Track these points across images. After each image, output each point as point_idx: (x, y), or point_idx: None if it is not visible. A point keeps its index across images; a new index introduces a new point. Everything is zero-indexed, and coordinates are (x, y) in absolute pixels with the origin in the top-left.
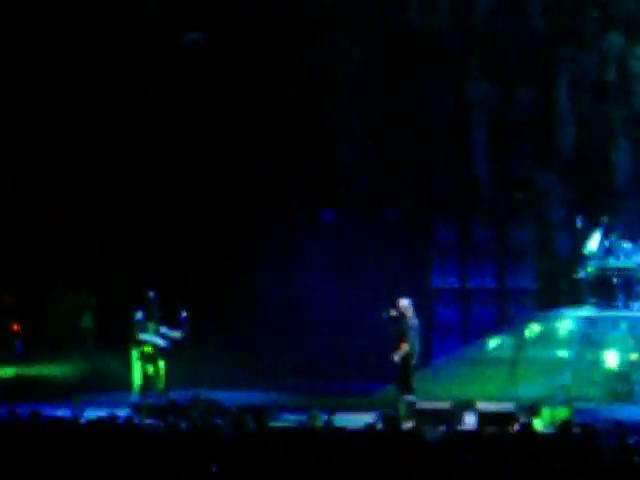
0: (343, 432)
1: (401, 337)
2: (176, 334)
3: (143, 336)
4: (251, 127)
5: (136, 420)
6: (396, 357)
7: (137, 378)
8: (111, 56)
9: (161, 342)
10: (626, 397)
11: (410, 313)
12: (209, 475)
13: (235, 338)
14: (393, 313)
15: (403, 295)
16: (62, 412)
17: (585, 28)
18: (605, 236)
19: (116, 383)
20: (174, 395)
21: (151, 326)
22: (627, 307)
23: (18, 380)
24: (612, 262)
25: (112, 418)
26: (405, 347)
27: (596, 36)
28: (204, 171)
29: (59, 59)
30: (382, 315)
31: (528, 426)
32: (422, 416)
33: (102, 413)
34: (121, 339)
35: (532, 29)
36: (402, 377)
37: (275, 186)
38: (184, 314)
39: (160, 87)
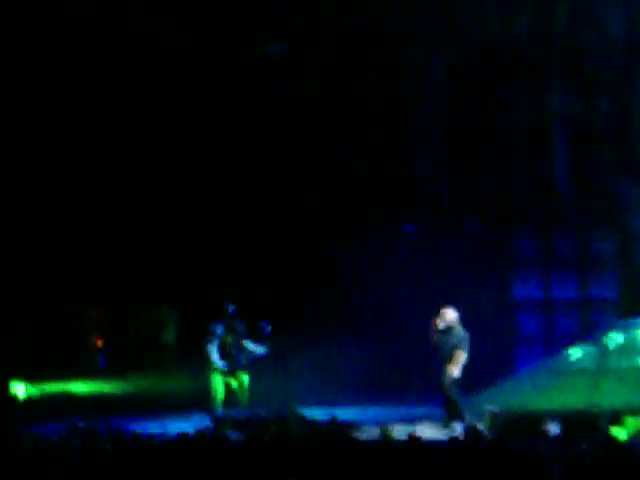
0: (426, 446)
1: (454, 349)
2: (260, 349)
3: (211, 353)
4: (331, 142)
5: (219, 434)
6: (456, 371)
7: (219, 392)
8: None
9: (220, 363)
10: None
11: (458, 324)
12: None
13: (318, 353)
14: (440, 325)
15: (461, 307)
16: (144, 427)
17: None
18: None
19: (199, 398)
20: (257, 409)
21: (230, 340)
22: None
23: (101, 394)
24: None
25: (196, 433)
26: (462, 359)
27: None
28: (284, 185)
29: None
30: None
31: (608, 435)
32: (506, 427)
33: (186, 428)
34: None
35: (612, 39)
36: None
37: (357, 201)
38: (268, 329)
39: (232, 96)
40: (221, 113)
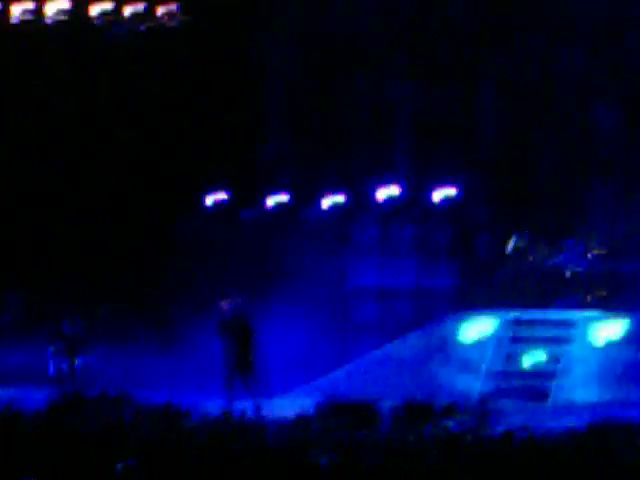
0: None
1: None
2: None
3: None
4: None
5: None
6: None
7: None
8: None
9: None
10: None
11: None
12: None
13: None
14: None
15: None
16: None
17: (511, 27)
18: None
19: None
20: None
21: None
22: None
23: None
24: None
25: None
26: None
27: (521, 35)
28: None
29: None
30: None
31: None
32: (338, 414)
33: None
34: None
35: (457, 27)
36: None
37: (196, 181)
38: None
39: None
40: None
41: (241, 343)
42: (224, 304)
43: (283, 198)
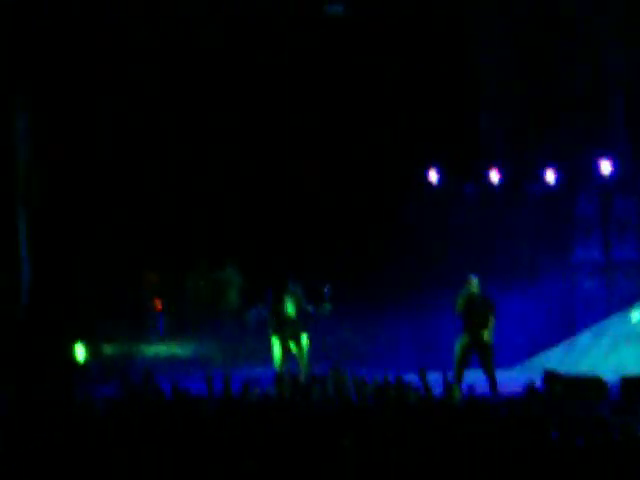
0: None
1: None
2: (321, 309)
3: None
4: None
5: (277, 393)
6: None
7: (277, 354)
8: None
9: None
10: None
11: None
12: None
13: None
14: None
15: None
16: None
17: None
18: None
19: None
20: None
21: (291, 304)
22: None
23: (161, 358)
24: None
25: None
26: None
27: None
28: (344, 153)
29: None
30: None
31: None
32: (566, 388)
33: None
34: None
35: None
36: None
37: (417, 158)
38: (327, 290)
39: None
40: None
41: (481, 320)
42: (469, 281)
43: (503, 173)
